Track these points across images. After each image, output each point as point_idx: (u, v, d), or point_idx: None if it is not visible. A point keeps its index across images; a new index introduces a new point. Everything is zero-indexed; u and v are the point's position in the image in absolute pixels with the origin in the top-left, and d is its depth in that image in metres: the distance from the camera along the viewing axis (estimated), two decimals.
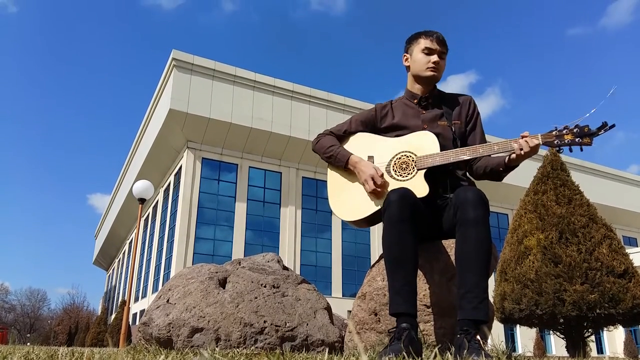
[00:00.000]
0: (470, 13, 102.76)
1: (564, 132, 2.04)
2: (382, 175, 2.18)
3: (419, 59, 2.33)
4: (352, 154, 2.32)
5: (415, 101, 2.38)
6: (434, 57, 2.30)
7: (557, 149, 2.06)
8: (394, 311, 1.85)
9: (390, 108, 2.43)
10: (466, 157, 2.11)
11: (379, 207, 2.13)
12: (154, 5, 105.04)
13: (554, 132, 2.06)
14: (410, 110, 2.37)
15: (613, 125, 1.99)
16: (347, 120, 2.51)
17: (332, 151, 2.37)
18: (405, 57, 2.41)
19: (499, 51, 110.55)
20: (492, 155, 2.22)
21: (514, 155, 2.11)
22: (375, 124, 2.42)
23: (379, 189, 2.16)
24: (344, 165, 2.31)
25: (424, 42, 2.32)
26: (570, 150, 2.07)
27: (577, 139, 2.03)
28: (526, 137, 2.06)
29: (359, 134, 2.43)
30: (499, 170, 2.24)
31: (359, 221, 2.25)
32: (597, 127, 2.01)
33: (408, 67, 2.41)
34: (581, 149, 2.06)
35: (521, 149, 2.06)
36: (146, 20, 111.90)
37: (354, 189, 2.29)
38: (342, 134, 2.45)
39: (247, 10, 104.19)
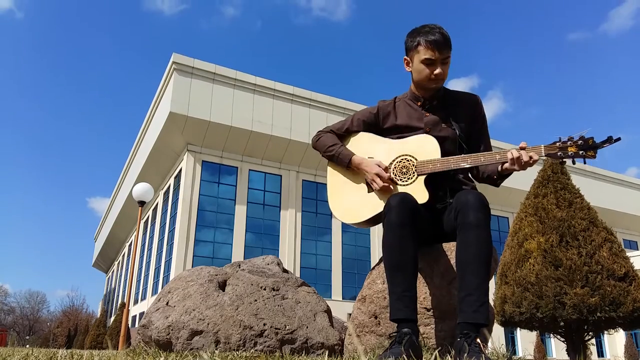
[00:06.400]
0: (472, 17, 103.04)
1: (568, 143, 1.97)
2: (386, 169, 2.16)
3: (419, 70, 2.17)
4: (354, 154, 2.27)
5: (419, 103, 2.29)
6: (437, 69, 2.13)
7: (560, 161, 2.01)
8: (395, 317, 1.85)
9: (393, 107, 2.34)
10: (467, 166, 2.08)
11: (379, 209, 2.12)
12: (156, 11, 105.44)
13: (557, 144, 1.98)
14: (414, 112, 2.28)
15: (619, 139, 1.92)
16: (348, 118, 2.44)
17: (333, 150, 2.33)
18: (405, 62, 2.26)
19: (501, 55, 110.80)
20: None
21: (506, 165, 2.08)
22: (377, 123, 2.35)
23: (387, 184, 2.13)
24: (347, 166, 2.28)
25: (423, 52, 2.12)
26: (573, 163, 2.02)
27: (580, 152, 1.96)
28: (523, 148, 2.01)
29: (360, 133, 2.38)
30: (493, 178, 2.23)
31: (359, 223, 2.25)
32: (601, 140, 1.94)
33: (410, 72, 2.28)
34: (584, 162, 1.99)
35: (510, 159, 2.01)
36: (148, 25, 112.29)
37: (354, 191, 2.27)
38: (343, 133, 2.41)
39: (248, 16, 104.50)
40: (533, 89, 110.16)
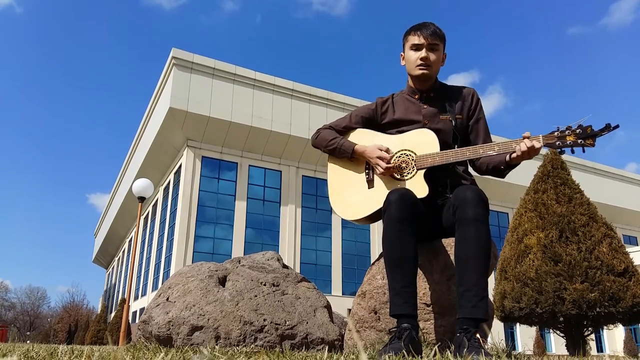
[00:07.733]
0: (472, 12, 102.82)
1: (566, 133, 1.97)
2: (388, 150, 2.19)
3: (409, 57, 2.28)
4: (356, 143, 2.29)
5: (417, 96, 2.32)
6: (422, 53, 2.22)
7: (559, 150, 2.00)
8: (395, 312, 1.85)
9: (391, 103, 2.38)
10: (466, 158, 2.09)
11: (379, 206, 2.12)
12: (155, 5, 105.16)
13: (555, 134, 1.99)
14: (412, 105, 2.32)
15: (617, 126, 1.91)
16: (346, 115, 2.47)
17: (335, 143, 2.34)
18: (401, 56, 2.35)
19: (501, 50, 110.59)
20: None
21: (514, 155, 2.07)
22: (376, 120, 2.38)
23: (390, 166, 2.15)
24: (350, 155, 2.29)
25: (411, 39, 2.26)
26: (572, 152, 2.02)
27: (579, 141, 1.95)
28: (527, 137, 2.01)
29: (358, 129, 2.40)
30: (500, 169, 2.22)
31: (360, 219, 2.25)
32: (600, 128, 1.93)
33: (405, 66, 2.35)
34: (583, 150, 1.98)
35: (522, 151, 2.00)
36: (147, 20, 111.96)
37: (355, 187, 2.28)
38: (342, 129, 2.42)
39: (248, 11, 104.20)
40: (533, 84, 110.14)
